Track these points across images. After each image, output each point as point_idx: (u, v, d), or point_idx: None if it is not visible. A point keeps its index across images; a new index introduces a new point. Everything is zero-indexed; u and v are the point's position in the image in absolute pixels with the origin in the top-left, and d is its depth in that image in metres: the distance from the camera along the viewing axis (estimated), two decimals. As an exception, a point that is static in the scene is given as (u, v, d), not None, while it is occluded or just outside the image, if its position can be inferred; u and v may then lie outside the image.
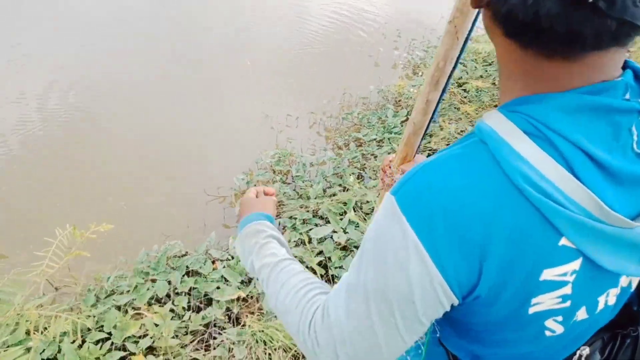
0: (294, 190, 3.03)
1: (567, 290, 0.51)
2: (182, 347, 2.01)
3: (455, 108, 3.84)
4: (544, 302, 0.51)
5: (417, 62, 4.96)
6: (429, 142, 3.49)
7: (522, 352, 0.59)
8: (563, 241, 0.47)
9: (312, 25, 5.74)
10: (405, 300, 0.51)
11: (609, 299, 0.56)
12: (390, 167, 0.94)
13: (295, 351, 2.02)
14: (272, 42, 5.24)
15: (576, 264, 0.49)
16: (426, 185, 0.50)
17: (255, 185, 3.09)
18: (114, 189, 3.05)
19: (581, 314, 0.55)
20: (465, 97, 3.98)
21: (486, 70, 4.36)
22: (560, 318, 0.54)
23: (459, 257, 0.48)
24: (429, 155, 2.83)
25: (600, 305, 0.56)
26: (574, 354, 0.61)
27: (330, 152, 3.47)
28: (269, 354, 2.00)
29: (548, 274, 0.49)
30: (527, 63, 0.48)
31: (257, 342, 2.03)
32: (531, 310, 0.52)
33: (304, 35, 5.47)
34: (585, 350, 0.60)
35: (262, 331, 2.08)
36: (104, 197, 2.99)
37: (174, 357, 1.95)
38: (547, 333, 0.55)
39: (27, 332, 1.47)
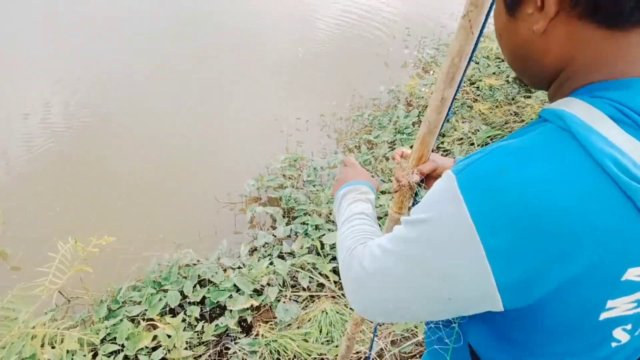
0: (306, 195, 2.99)
1: None
2: (195, 359, 1.99)
3: (468, 107, 3.77)
4: (619, 306, 0.46)
5: (428, 61, 4.89)
6: (442, 143, 3.42)
7: None
8: None
9: (320, 25, 5.70)
10: (437, 279, 0.48)
11: None
12: (401, 157, 0.93)
13: (310, 361, 1.98)
14: (279, 43, 5.21)
15: None
16: (498, 169, 0.44)
17: (266, 191, 3.06)
18: (122, 197, 3.04)
19: None
20: (478, 95, 3.90)
21: (499, 67, 4.27)
22: (629, 327, 0.49)
23: (522, 256, 0.42)
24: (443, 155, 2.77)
25: None
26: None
27: (342, 155, 3.42)
28: (283, 365, 1.96)
29: (631, 274, 0.44)
30: (600, 43, 0.45)
31: (270, 352, 2.00)
32: (603, 316, 0.46)
33: (312, 36, 5.43)
34: None
35: (276, 341, 2.04)
36: (112, 205, 2.98)
37: (187, 369, 1.92)
38: (613, 344, 0.50)
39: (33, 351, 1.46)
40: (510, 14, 0.51)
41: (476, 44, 0.70)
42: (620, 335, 0.49)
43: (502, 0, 0.52)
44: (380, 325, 2.09)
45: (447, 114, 0.80)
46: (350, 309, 2.19)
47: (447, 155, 3.29)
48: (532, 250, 0.42)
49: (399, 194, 0.90)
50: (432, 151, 0.88)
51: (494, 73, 4.18)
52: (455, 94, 0.77)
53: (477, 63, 4.34)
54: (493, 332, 0.55)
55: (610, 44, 0.45)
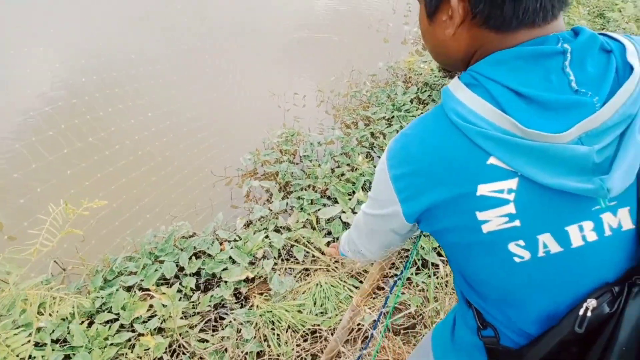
0: (302, 170, 2.98)
1: (510, 209, 0.58)
2: (190, 328, 2.01)
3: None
4: (491, 219, 0.59)
5: (428, 37, 4.82)
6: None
7: (507, 290, 0.64)
8: (491, 160, 0.57)
9: (319, 1, 5.59)
10: (379, 208, 0.73)
11: (587, 234, 0.59)
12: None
13: (304, 331, 2.01)
14: (278, 18, 5.12)
15: (512, 183, 0.57)
16: (402, 134, 0.67)
17: (262, 165, 3.05)
18: (118, 169, 3.03)
19: (551, 244, 0.59)
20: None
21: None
22: (521, 242, 0.59)
23: (407, 179, 0.64)
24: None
25: (576, 240, 0.59)
26: (580, 304, 0.60)
27: (339, 131, 3.40)
28: (278, 335, 1.99)
29: (483, 189, 0.58)
30: (493, 41, 0.61)
31: (265, 322, 2.02)
32: (484, 229, 0.60)
33: (311, 11, 5.33)
34: (592, 303, 0.59)
35: (271, 312, 2.06)
36: (108, 176, 2.97)
37: (182, 338, 1.95)
38: (516, 259, 0.60)
39: (24, 311, 1.47)
40: (430, 19, 0.66)
41: None
42: (518, 250, 0.60)
43: (424, 8, 0.67)
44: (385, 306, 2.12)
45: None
46: (345, 281, 2.22)
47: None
48: (410, 174, 0.64)
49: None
50: None
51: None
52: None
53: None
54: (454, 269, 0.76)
55: (500, 41, 0.61)
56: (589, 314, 0.59)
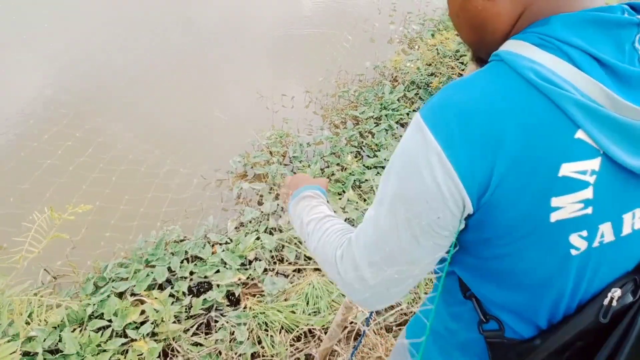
0: (292, 171, 2.99)
1: (588, 194, 0.50)
2: (183, 332, 2.01)
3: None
4: (565, 206, 0.50)
5: (414, 36, 4.85)
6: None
7: (544, 281, 0.56)
8: (579, 134, 0.49)
9: (305, 1, 5.60)
10: (423, 202, 0.53)
11: (636, 222, 0.55)
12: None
13: (297, 332, 2.01)
14: (264, 19, 5.12)
15: (595, 163, 0.49)
16: (447, 96, 0.53)
17: (252, 167, 3.06)
18: (106, 172, 3.01)
19: (607, 233, 0.54)
20: (463, 70, 3.90)
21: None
22: (584, 233, 0.53)
23: (473, 152, 0.50)
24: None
25: (627, 228, 0.54)
26: (604, 294, 0.56)
27: (327, 131, 3.42)
28: (271, 336, 2.00)
29: (567, 169, 0.49)
30: None
31: (258, 324, 2.03)
32: (553, 217, 0.51)
33: (297, 11, 5.34)
34: (617, 292, 0.56)
35: (263, 313, 2.07)
36: (97, 179, 2.95)
37: (175, 342, 1.94)
38: (573, 252, 0.53)
39: (11, 321, 1.46)
40: None
41: None
42: (577, 241, 0.53)
43: None
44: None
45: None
46: (337, 281, 2.23)
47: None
48: (476, 147, 0.50)
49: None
50: None
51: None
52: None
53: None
54: (471, 256, 0.61)
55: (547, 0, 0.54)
56: (614, 303, 0.56)
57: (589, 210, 0.51)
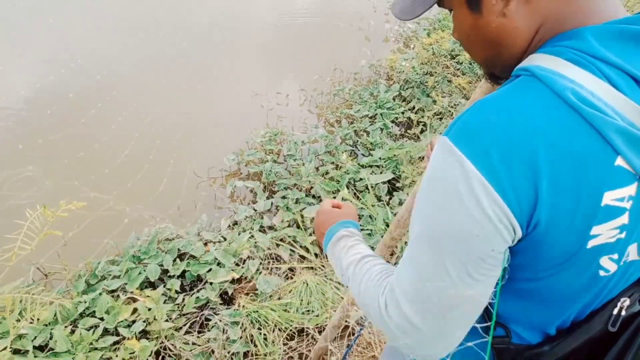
0: (286, 169, 2.98)
1: (624, 219, 0.50)
2: (176, 330, 2.00)
3: (447, 81, 3.77)
4: (602, 233, 0.50)
5: (409, 35, 4.85)
6: (422, 117, 3.43)
7: (567, 297, 0.56)
8: (619, 161, 0.47)
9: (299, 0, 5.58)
10: (469, 234, 0.50)
11: None
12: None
13: (291, 330, 2.01)
14: (258, 17, 5.10)
15: (632, 189, 0.49)
16: (482, 118, 0.50)
17: (246, 166, 3.05)
18: (99, 169, 2.99)
19: (632, 252, 0.54)
20: (458, 70, 3.91)
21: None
22: (615, 256, 0.52)
23: (517, 179, 0.47)
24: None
25: None
26: (614, 304, 0.58)
27: (322, 129, 3.41)
28: (264, 334, 1.99)
29: (608, 198, 0.48)
30: (556, 7, 0.52)
31: (251, 322, 2.02)
32: (590, 244, 0.50)
33: (291, 10, 5.32)
34: (626, 302, 0.57)
35: (257, 312, 2.06)
36: (89, 178, 2.92)
37: (168, 340, 1.93)
38: (602, 273, 0.54)
39: (4, 318, 1.44)
40: (475, 10, 0.57)
41: None
42: (608, 264, 0.53)
43: (464, 3, 0.58)
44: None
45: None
46: (331, 279, 2.23)
47: (424, 129, 3.32)
48: (518, 172, 0.47)
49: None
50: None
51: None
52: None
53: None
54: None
55: (565, 5, 0.52)
56: (623, 312, 0.57)
57: (623, 235, 0.51)
